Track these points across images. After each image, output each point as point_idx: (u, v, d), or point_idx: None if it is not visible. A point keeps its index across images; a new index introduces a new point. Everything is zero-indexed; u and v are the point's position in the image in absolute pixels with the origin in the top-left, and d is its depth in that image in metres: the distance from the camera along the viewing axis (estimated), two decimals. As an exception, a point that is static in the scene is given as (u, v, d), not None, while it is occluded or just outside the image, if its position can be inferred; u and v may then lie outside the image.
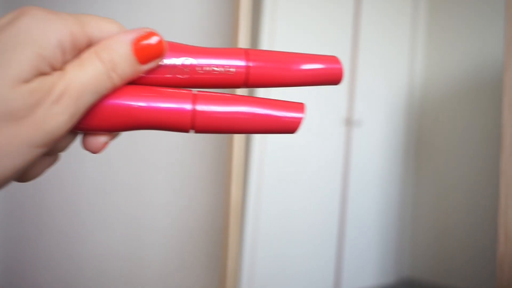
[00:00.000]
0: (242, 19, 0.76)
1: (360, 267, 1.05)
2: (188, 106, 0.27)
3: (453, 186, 1.05)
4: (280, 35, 0.88)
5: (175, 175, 0.88)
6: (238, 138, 0.77)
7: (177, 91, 0.27)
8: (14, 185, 1.03)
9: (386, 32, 1.10)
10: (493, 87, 0.98)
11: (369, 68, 1.05)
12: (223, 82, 0.29)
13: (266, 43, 0.86)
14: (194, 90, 0.28)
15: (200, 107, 0.27)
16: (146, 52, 0.26)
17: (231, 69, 0.28)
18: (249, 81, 0.29)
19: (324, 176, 0.98)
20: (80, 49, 0.25)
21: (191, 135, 0.85)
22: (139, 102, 0.26)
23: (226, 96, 0.28)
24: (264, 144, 0.87)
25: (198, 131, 0.27)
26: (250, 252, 0.85)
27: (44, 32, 0.23)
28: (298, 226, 0.94)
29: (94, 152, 0.28)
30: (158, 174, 0.89)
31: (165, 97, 0.27)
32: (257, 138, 0.86)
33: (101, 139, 0.28)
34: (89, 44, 0.26)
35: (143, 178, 0.89)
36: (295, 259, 0.93)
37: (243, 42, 0.76)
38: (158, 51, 0.27)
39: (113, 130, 0.27)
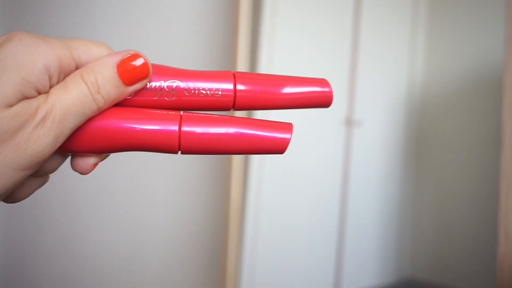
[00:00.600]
0: (242, 20, 0.76)
1: (360, 267, 1.05)
2: (174, 128, 0.27)
3: (453, 186, 1.05)
4: (280, 35, 0.88)
5: (175, 175, 0.88)
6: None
7: (164, 112, 0.27)
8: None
9: (386, 32, 1.10)
10: (493, 87, 0.98)
11: (369, 68, 1.05)
12: (211, 105, 0.29)
13: (266, 44, 0.86)
14: (182, 112, 0.28)
15: (186, 128, 0.27)
16: (131, 74, 0.26)
17: (218, 92, 0.28)
18: (237, 104, 0.29)
19: (324, 176, 0.98)
20: (67, 73, 0.26)
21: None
22: (126, 124, 0.26)
23: (213, 117, 0.28)
24: (264, 144, 0.87)
25: (185, 152, 0.27)
26: (250, 252, 0.85)
27: (30, 57, 0.23)
28: (298, 226, 0.94)
29: (82, 173, 0.28)
30: (158, 174, 0.89)
31: (152, 119, 0.27)
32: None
33: (89, 160, 0.28)
34: (78, 68, 0.26)
35: (143, 178, 0.89)
36: (295, 259, 0.93)
37: (243, 42, 0.76)
38: (143, 73, 0.27)
39: (100, 151, 0.27)
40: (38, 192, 1.04)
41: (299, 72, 0.93)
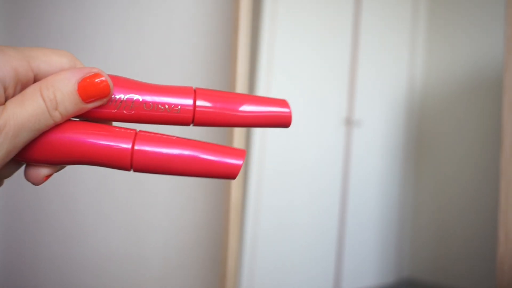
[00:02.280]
0: (242, 20, 0.76)
1: (360, 267, 1.05)
2: (127, 146, 0.27)
3: (453, 186, 1.05)
4: (280, 35, 0.88)
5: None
6: (238, 138, 0.77)
7: (120, 129, 0.27)
8: (14, 184, 1.03)
9: (386, 32, 1.10)
10: (493, 87, 0.98)
11: (369, 68, 1.05)
12: (170, 120, 0.29)
13: (266, 44, 0.86)
14: (138, 130, 0.28)
15: (140, 147, 0.27)
16: (91, 92, 0.26)
17: (178, 107, 0.29)
18: (196, 120, 0.29)
19: (324, 176, 0.98)
20: (26, 83, 0.25)
21: (192, 133, 0.85)
22: (80, 138, 0.26)
23: (169, 138, 0.28)
24: (264, 144, 0.87)
25: (137, 170, 0.27)
26: (250, 252, 0.85)
27: None
28: (298, 226, 0.94)
29: (35, 184, 0.28)
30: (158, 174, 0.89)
31: (106, 135, 0.27)
32: (257, 138, 0.86)
33: (42, 171, 0.28)
34: (37, 78, 0.26)
35: (143, 179, 0.89)
36: (295, 259, 0.93)
37: (243, 42, 0.76)
38: (103, 92, 0.26)
39: (53, 163, 0.27)
40: (38, 192, 1.04)
41: (299, 72, 0.93)
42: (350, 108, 1.01)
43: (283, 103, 0.31)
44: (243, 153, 0.29)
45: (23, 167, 0.29)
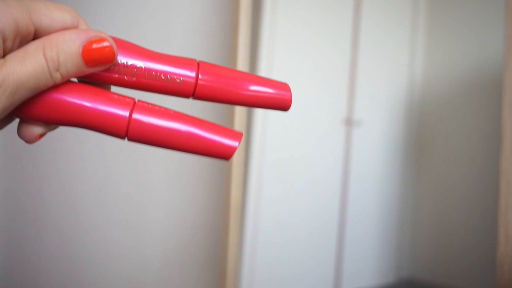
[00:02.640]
0: (242, 19, 0.76)
1: (360, 267, 1.05)
2: (125, 113, 0.27)
3: (453, 186, 1.05)
4: (280, 35, 0.88)
5: (175, 175, 0.88)
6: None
7: (119, 96, 0.27)
8: (14, 185, 1.03)
9: (386, 32, 1.10)
10: (493, 87, 0.98)
11: (369, 68, 1.05)
12: (170, 91, 0.29)
13: (266, 44, 0.86)
14: (137, 99, 0.28)
15: (136, 116, 0.27)
16: (95, 57, 0.26)
17: (180, 79, 0.28)
18: (196, 94, 0.29)
19: (324, 176, 0.98)
20: (26, 36, 0.25)
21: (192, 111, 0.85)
22: (78, 100, 0.26)
23: (167, 111, 0.28)
24: (264, 144, 0.87)
25: (132, 139, 0.27)
26: (250, 252, 0.85)
27: None
28: (298, 226, 0.94)
29: (28, 142, 0.27)
30: (158, 174, 0.89)
31: (105, 101, 0.27)
32: (257, 138, 0.86)
33: (36, 129, 0.27)
34: (38, 32, 0.25)
35: (143, 178, 0.89)
36: (295, 259, 0.93)
37: (243, 42, 0.76)
38: (107, 58, 0.26)
39: (48, 122, 0.27)
40: (38, 192, 1.04)
41: (299, 72, 0.93)
42: (350, 108, 1.01)
43: (284, 86, 0.31)
44: (239, 136, 0.28)
45: (15, 124, 0.28)
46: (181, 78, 0.28)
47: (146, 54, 0.28)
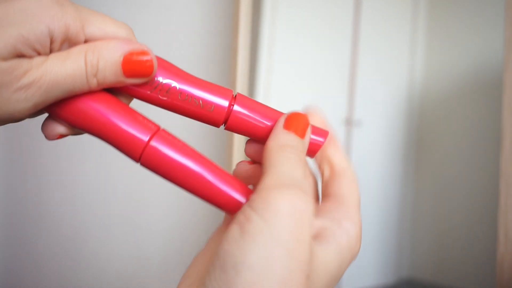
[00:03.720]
0: (242, 20, 0.76)
1: (360, 267, 1.05)
2: (144, 138, 0.26)
3: (453, 186, 1.05)
4: (280, 35, 0.88)
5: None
6: (238, 138, 0.77)
7: (145, 120, 0.27)
8: (15, 184, 1.03)
9: (386, 32, 1.10)
10: (493, 87, 0.98)
11: (369, 68, 1.05)
12: (199, 116, 0.28)
13: (266, 44, 0.86)
14: (161, 128, 0.28)
15: (154, 143, 0.26)
16: (134, 68, 0.26)
17: (212, 107, 0.28)
18: (227, 124, 0.29)
19: (324, 176, 0.98)
20: (75, 43, 0.25)
21: (194, 136, 0.85)
22: (106, 114, 0.26)
23: (185, 146, 0.27)
24: (264, 144, 0.87)
25: (144, 165, 0.27)
26: (250, 252, 0.85)
27: (38, 17, 0.23)
28: (298, 226, 0.94)
29: (47, 137, 0.27)
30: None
31: (131, 120, 0.26)
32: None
33: (59, 128, 0.27)
34: (89, 41, 0.25)
35: (143, 178, 0.89)
36: (295, 259, 0.93)
37: (243, 42, 0.76)
38: (146, 71, 0.26)
39: (72, 126, 0.27)
40: (38, 192, 1.04)
41: (299, 72, 0.93)
42: (350, 108, 1.01)
43: (324, 133, 0.30)
44: (250, 192, 0.27)
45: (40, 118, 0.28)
46: (213, 106, 0.28)
47: (183, 76, 0.28)
